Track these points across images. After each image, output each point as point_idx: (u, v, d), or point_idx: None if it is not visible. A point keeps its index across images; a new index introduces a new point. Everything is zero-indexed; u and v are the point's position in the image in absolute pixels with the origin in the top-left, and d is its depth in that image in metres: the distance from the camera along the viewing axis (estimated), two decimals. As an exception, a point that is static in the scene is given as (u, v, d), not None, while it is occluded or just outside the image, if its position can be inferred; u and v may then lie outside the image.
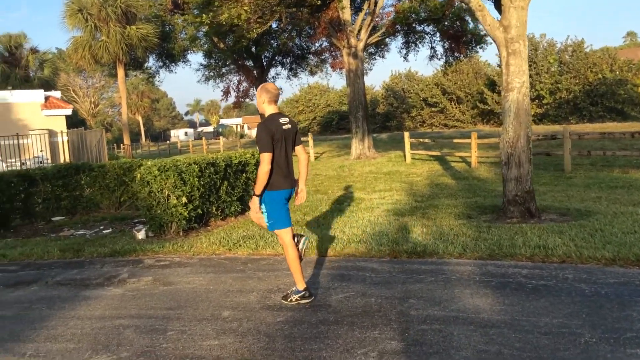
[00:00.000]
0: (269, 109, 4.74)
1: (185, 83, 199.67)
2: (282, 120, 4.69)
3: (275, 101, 4.76)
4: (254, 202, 4.66)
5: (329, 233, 7.45)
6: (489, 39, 21.48)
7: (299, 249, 4.83)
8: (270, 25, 22.50)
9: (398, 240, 6.65)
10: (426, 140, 19.34)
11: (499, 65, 45.52)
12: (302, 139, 24.65)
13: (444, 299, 4.58)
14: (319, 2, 15.65)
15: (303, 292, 4.77)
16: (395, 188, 12.21)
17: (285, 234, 4.78)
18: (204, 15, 15.88)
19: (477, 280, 5.06)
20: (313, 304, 4.65)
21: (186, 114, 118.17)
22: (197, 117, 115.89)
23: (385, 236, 6.95)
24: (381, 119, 53.68)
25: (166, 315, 4.64)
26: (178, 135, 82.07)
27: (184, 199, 7.94)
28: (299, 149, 4.93)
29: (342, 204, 10.30)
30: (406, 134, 18.55)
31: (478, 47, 20.94)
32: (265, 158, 4.54)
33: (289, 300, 4.79)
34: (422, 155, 19.13)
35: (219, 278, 5.74)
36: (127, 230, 9.00)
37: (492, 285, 4.86)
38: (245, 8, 13.29)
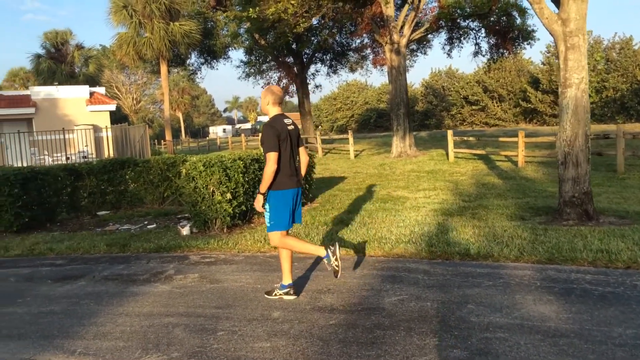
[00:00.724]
0: (273, 110, 4.86)
1: (224, 80, 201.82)
2: (286, 121, 4.81)
3: (280, 103, 4.91)
4: (258, 200, 4.76)
5: (376, 232, 7.25)
6: (537, 35, 20.92)
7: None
8: (312, 22, 22.42)
9: (449, 242, 6.42)
10: (470, 139, 18.92)
11: (543, 63, 44.58)
12: (340, 136, 24.75)
13: (505, 305, 4.35)
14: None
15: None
16: (440, 187, 11.92)
17: (277, 237, 4.86)
18: (250, 9, 15.82)
19: (539, 285, 4.79)
20: (365, 307, 4.47)
21: (225, 110, 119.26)
22: (235, 114, 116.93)
23: (435, 237, 6.72)
24: (420, 117, 53.05)
25: (215, 314, 4.53)
26: (216, 131, 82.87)
27: (229, 195, 7.86)
28: (300, 150, 5.00)
29: (386, 202, 10.08)
30: (449, 132, 18.16)
31: (525, 43, 20.34)
32: (272, 157, 4.62)
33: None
34: (465, 154, 18.71)
35: (266, 277, 5.62)
36: (171, 225, 8.98)
37: (556, 292, 4.60)
38: (292, 2, 13.16)
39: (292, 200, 4.84)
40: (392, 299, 4.64)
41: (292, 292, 4.87)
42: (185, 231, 8.14)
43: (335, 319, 4.26)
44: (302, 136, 22.55)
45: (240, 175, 7.96)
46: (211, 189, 7.84)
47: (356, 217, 8.56)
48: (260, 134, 4.99)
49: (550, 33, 7.29)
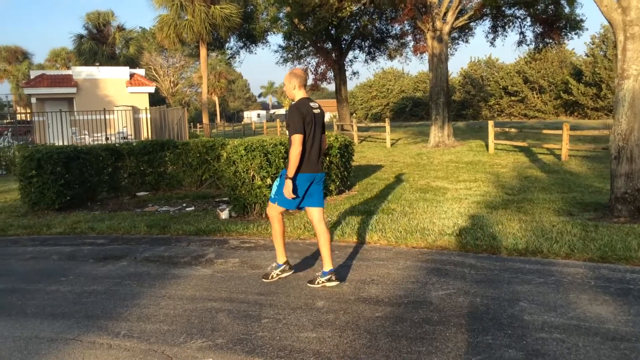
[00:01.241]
0: (299, 94, 4.81)
1: (260, 66, 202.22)
2: (312, 104, 4.78)
3: (305, 85, 4.85)
4: (288, 186, 4.63)
5: (418, 223, 7.09)
6: (585, 24, 20.24)
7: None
8: (357, 6, 22.11)
9: (495, 235, 6.23)
10: (512, 130, 18.47)
11: (587, 55, 43.31)
12: (376, 124, 24.49)
13: (559, 304, 4.17)
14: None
15: (283, 266, 4.97)
16: (481, 179, 11.66)
17: (274, 211, 4.89)
18: None
19: (593, 285, 4.59)
20: (411, 300, 4.35)
21: (259, 95, 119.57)
22: (270, 99, 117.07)
23: (479, 230, 6.53)
24: (457, 106, 52.14)
25: (258, 300, 4.47)
26: (251, 116, 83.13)
27: (269, 180, 7.80)
28: (322, 137, 4.92)
29: (426, 192, 9.90)
30: (490, 123, 17.76)
31: (573, 33, 19.68)
32: (297, 140, 4.58)
33: (270, 278, 4.94)
34: (505, 146, 18.29)
35: (307, 264, 5.54)
36: (209, 209, 8.98)
37: (612, 292, 4.39)
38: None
39: (308, 184, 4.77)
40: (439, 293, 4.50)
41: (334, 278, 4.78)
42: (224, 215, 8.11)
43: (381, 311, 4.14)
44: (337, 123, 22.49)
45: (282, 160, 7.87)
46: (251, 173, 7.79)
47: (396, 207, 8.41)
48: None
49: (608, 22, 6.97)
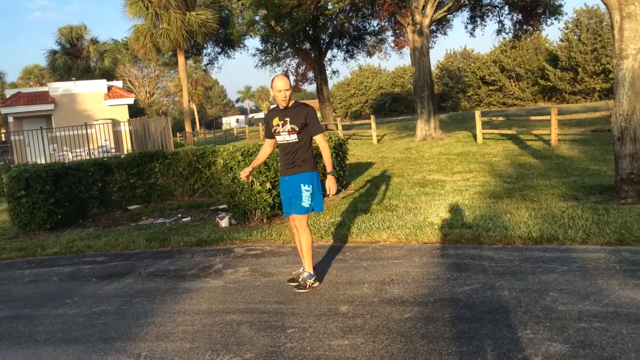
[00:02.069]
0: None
1: (236, 71, 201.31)
2: None
3: None
4: (334, 182, 4.77)
5: (425, 218, 6.96)
6: (564, 9, 20.26)
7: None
8: (327, 6, 21.98)
9: (506, 225, 6.12)
10: (499, 119, 18.46)
11: (562, 40, 43.65)
12: (359, 122, 24.54)
13: (590, 291, 4.05)
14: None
15: (315, 275, 4.81)
16: (476, 169, 11.59)
17: (307, 218, 4.82)
18: None
19: (619, 269, 4.49)
20: (438, 298, 4.20)
21: (237, 101, 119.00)
22: (248, 104, 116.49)
23: (489, 220, 6.42)
24: (436, 99, 52.33)
25: (278, 310, 4.29)
26: (230, 122, 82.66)
27: (268, 185, 7.62)
28: None
29: (424, 186, 9.78)
30: (477, 113, 17.73)
31: (553, 18, 19.74)
32: (324, 137, 4.84)
33: (307, 287, 4.68)
34: (493, 135, 18.29)
35: (320, 268, 5.35)
36: (207, 218, 8.76)
37: (640, 275, 4.29)
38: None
39: None
40: (465, 289, 4.36)
41: (317, 277, 4.86)
42: (224, 223, 7.91)
43: (409, 311, 3.99)
44: (322, 123, 22.36)
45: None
46: (250, 178, 7.59)
47: (399, 203, 8.28)
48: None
49: (603, 2, 6.90)
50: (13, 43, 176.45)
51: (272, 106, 5.59)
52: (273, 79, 4.66)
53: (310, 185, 4.70)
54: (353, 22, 27.11)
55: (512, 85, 47.00)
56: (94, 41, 38.49)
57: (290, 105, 4.72)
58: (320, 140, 4.76)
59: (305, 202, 4.68)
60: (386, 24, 24.48)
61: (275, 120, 4.74)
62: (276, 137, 4.78)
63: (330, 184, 4.70)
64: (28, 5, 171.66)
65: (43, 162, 19.12)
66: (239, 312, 4.31)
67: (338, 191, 9.94)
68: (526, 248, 5.38)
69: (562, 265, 4.71)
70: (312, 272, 4.76)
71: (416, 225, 6.60)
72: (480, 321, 3.69)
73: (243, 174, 4.99)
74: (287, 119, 4.67)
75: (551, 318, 3.63)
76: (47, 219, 8.81)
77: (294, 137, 4.67)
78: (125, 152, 21.84)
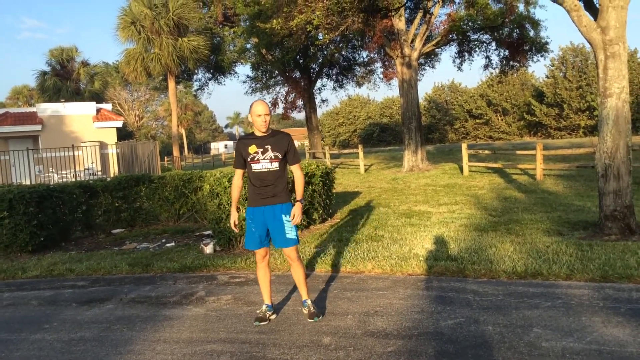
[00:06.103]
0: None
1: (226, 96, 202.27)
2: None
3: None
4: (301, 210, 4.68)
5: (410, 249, 6.96)
6: (550, 46, 20.70)
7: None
8: (318, 37, 22.25)
9: (491, 259, 6.12)
10: (486, 152, 18.64)
11: (547, 76, 44.47)
12: (347, 151, 24.57)
13: (574, 328, 4.05)
14: (398, 5, 15.08)
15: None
16: (462, 201, 11.64)
17: (297, 249, 4.79)
18: (274, 20, 15.56)
19: (602, 306, 4.50)
20: (422, 331, 4.17)
21: (226, 126, 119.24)
22: (237, 130, 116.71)
23: (474, 254, 6.43)
24: (424, 131, 52.82)
25: (260, 340, 4.23)
26: (218, 147, 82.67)
27: (254, 212, 7.56)
28: None
29: (410, 217, 9.80)
30: (464, 145, 17.90)
31: (539, 55, 20.14)
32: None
33: (319, 314, 4.66)
34: (479, 167, 18.43)
35: (294, 298, 5.31)
36: (191, 243, 8.69)
37: (623, 313, 4.30)
38: (318, 13, 12.93)
39: None
40: (449, 323, 4.33)
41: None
42: (208, 249, 7.84)
43: (393, 345, 3.95)
44: (310, 151, 22.47)
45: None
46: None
47: (384, 233, 8.27)
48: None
49: (588, 42, 7.05)
50: (2, 63, 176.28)
51: (243, 133, 5.57)
52: (252, 104, 4.55)
53: (289, 216, 4.64)
54: (343, 52, 27.42)
55: (498, 119, 47.66)
56: (85, 63, 38.57)
57: (267, 132, 4.63)
58: (296, 170, 4.72)
59: (291, 234, 4.62)
60: (375, 55, 24.82)
61: (253, 148, 4.56)
62: (252, 165, 4.58)
63: (297, 211, 4.60)
64: (18, 25, 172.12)
65: (28, 183, 18.94)
66: (220, 342, 4.25)
67: (324, 220, 9.92)
68: (510, 282, 5.38)
69: (546, 301, 4.71)
70: (271, 305, 4.82)
71: (401, 256, 6.59)
72: (464, 356, 3.66)
73: (233, 226, 4.95)
74: (268, 147, 4.55)
75: (534, 355, 3.61)
76: (29, 241, 8.68)
77: (275, 165, 4.57)
78: (112, 175, 21.72)
